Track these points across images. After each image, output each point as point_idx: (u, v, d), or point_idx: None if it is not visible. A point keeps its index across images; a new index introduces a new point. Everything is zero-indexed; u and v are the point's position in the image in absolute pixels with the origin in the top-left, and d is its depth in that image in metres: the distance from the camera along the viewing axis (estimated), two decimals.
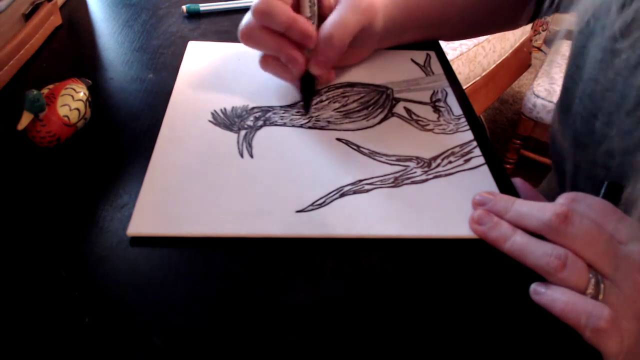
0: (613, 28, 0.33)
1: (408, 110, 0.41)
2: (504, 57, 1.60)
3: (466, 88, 1.46)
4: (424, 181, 0.35)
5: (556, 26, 2.53)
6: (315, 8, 0.38)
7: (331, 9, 0.39)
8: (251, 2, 0.55)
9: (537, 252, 0.28)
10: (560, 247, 0.28)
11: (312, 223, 0.31)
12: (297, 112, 0.40)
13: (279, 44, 0.37)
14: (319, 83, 0.41)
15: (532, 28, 1.89)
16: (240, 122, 0.38)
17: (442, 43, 0.52)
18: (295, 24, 0.36)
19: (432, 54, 0.49)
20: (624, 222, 0.29)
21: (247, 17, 0.38)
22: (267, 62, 0.40)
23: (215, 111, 0.39)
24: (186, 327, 0.26)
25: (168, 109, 0.39)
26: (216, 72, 0.43)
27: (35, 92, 0.32)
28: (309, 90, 0.40)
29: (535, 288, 0.28)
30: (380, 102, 0.42)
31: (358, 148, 0.37)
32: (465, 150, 0.38)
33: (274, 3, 0.35)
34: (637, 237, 0.28)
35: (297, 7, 0.38)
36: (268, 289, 0.28)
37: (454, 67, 1.34)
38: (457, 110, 0.42)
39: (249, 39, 0.38)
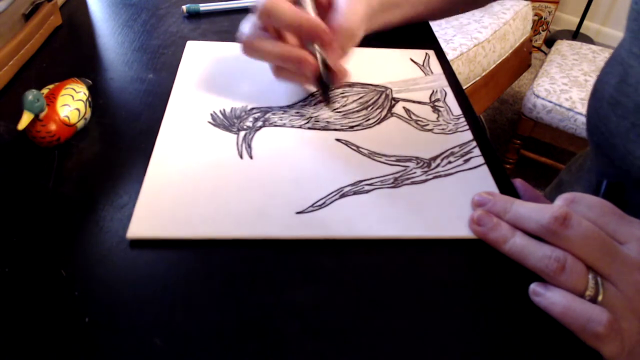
0: None
1: (407, 110, 0.41)
2: (504, 57, 1.60)
3: (466, 88, 1.46)
4: (423, 181, 0.35)
5: (556, 26, 2.53)
6: (309, 2, 0.37)
7: (328, 3, 0.38)
8: (251, 2, 0.55)
9: (537, 254, 0.28)
10: (560, 249, 0.28)
11: (312, 224, 0.31)
12: (297, 112, 0.40)
13: (284, 50, 0.36)
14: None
15: (532, 28, 1.89)
16: (239, 123, 0.38)
17: (442, 43, 0.53)
18: (304, 19, 0.35)
19: (431, 53, 0.49)
20: (623, 221, 0.29)
21: (246, 28, 0.37)
22: (280, 70, 0.39)
23: (214, 112, 0.39)
24: (187, 328, 0.26)
25: (167, 110, 0.39)
26: (215, 73, 0.43)
27: (35, 92, 0.32)
28: (326, 86, 0.40)
29: (534, 289, 0.28)
30: (380, 102, 0.42)
31: (357, 148, 0.37)
32: (465, 150, 0.38)
33: (278, 1, 0.35)
34: (637, 236, 0.28)
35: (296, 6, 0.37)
36: (268, 290, 0.28)
37: (454, 67, 1.34)
38: (456, 110, 0.42)
39: (252, 50, 0.37)
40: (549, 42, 2.37)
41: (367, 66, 0.46)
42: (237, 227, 0.30)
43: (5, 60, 0.40)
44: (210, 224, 0.30)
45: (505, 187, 0.35)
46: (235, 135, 0.37)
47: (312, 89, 0.42)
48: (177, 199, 0.32)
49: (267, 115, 0.39)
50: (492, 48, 1.52)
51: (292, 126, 0.39)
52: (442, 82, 0.45)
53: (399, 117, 0.41)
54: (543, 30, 2.33)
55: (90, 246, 0.29)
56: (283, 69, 0.39)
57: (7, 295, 0.26)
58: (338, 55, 0.38)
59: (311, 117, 0.40)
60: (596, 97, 0.42)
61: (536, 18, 2.26)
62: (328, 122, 0.39)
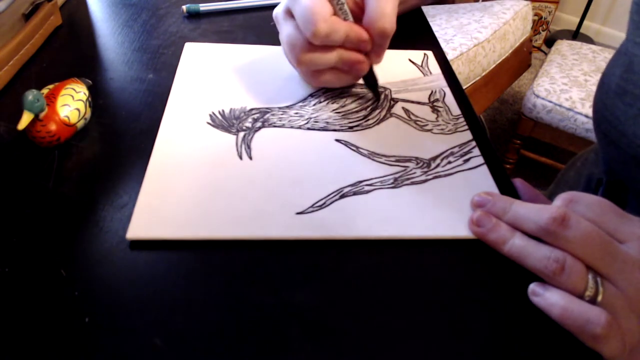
0: None
1: (406, 111, 0.41)
2: (504, 57, 1.60)
3: (466, 88, 1.46)
4: (423, 182, 0.35)
5: (556, 26, 2.53)
6: (346, 8, 0.37)
7: (356, 3, 0.38)
8: (251, 2, 0.55)
9: (536, 255, 0.28)
10: (559, 249, 0.28)
11: (312, 225, 0.31)
12: (296, 113, 0.40)
13: (339, 54, 0.37)
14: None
15: (532, 28, 1.89)
16: (238, 124, 0.38)
17: (442, 43, 0.53)
18: (351, 32, 0.36)
19: (430, 53, 0.49)
20: (623, 220, 0.29)
21: (293, 43, 0.37)
22: (321, 75, 0.39)
23: (213, 113, 0.39)
24: (187, 328, 0.26)
25: (165, 111, 0.39)
26: (213, 74, 0.43)
27: (35, 92, 0.32)
28: (374, 80, 0.42)
29: (533, 289, 0.28)
30: (379, 102, 0.42)
31: (357, 149, 0.37)
32: (465, 150, 0.38)
33: (331, 20, 0.35)
34: (637, 235, 0.28)
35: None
36: (268, 290, 0.28)
37: (454, 67, 1.34)
38: (455, 110, 0.42)
39: (308, 63, 0.37)
40: (549, 42, 2.37)
41: None
42: (236, 227, 0.30)
43: (5, 60, 0.40)
44: (210, 225, 0.30)
45: (505, 187, 0.35)
46: (235, 136, 0.37)
47: (312, 89, 0.42)
48: (176, 199, 0.32)
49: (266, 116, 0.39)
50: (492, 48, 1.52)
51: (292, 127, 0.39)
52: (441, 82, 0.45)
53: (398, 117, 0.41)
54: (543, 30, 2.33)
55: (90, 246, 0.29)
56: (325, 72, 0.39)
57: (7, 295, 0.26)
58: (378, 55, 0.39)
59: (310, 118, 0.40)
60: (603, 89, 0.43)
61: (536, 18, 2.26)
62: (327, 122, 0.39)
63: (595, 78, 1.50)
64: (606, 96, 0.42)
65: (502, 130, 1.93)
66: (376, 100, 0.42)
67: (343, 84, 0.41)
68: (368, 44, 0.37)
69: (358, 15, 0.38)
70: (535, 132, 1.54)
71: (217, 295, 0.27)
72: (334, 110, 0.41)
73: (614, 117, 0.40)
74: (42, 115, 0.33)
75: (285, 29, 0.38)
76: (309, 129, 0.39)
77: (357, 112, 0.41)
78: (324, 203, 0.32)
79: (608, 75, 0.43)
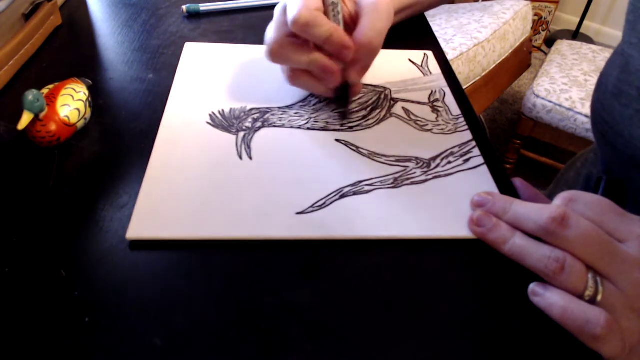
0: None
1: (406, 111, 0.41)
2: (504, 57, 1.60)
3: (466, 88, 1.46)
4: (423, 182, 0.35)
5: (556, 26, 2.53)
6: (340, 17, 0.36)
7: (351, 16, 0.38)
8: (251, 2, 0.55)
9: (536, 254, 0.28)
10: (559, 249, 0.28)
11: (312, 225, 0.31)
12: (296, 113, 0.40)
13: (312, 57, 0.36)
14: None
15: (532, 28, 1.89)
16: (238, 124, 0.38)
17: (442, 43, 0.53)
18: (335, 33, 0.34)
19: (430, 53, 0.49)
20: (623, 219, 0.29)
21: (273, 33, 0.36)
22: (297, 76, 0.38)
23: (213, 113, 0.39)
24: (187, 328, 0.26)
25: (165, 111, 0.39)
26: (213, 74, 0.43)
27: (35, 92, 0.32)
28: (345, 99, 0.40)
29: (533, 289, 0.28)
30: (379, 102, 0.42)
31: (357, 149, 0.37)
32: (465, 150, 0.38)
33: (317, 13, 0.34)
34: (637, 234, 0.28)
35: None
36: (268, 290, 0.28)
37: (454, 67, 1.34)
38: (455, 110, 0.42)
39: (280, 57, 0.37)
40: (549, 42, 2.37)
41: None
42: (237, 227, 0.30)
43: (5, 60, 0.40)
44: (210, 225, 0.30)
45: (505, 187, 0.35)
46: (235, 136, 0.37)
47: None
48: (176, 199, 0.32)
49: (266, 116, 0.39)
50: (492, 48, 1.52)
51: (292, 127, 0.39)
52: (441, 82, 0.45)
53: (398, 117, 0.41)
54: (543, 30, 2.33)
55: (90, 246, 0.29)
56: (301, 75, 0.38)
57: (7, 295, 0.26)
58: (359, 72, 0.38)
59: (310, 118, 0.40)
60: (600, 90, 0.43)
61: (536, 18, 2.26)
62: (327, 122, 0.39)
63: (595, 78, 1.50)
64: (603, 97, 0.42)
65: (502, 130, 1.93)
66: (342, 123, 0.39)
67: (317, 92, 0.40)
68: (350, 53, 0.35)
69: (352, 29, 0.37)
70: (535, 132, 1.54)
71: (217, 295, 0.27)
72: (334, 110, 0.41)
73: (611, 117, 0.41)
74: (42, 115, 0.33)
75: (273, 21, 0.37)
76: (309, 129, 0.39)
77: (357, 112, 0.41)
78: (324, 203, 0.32)
79: (605, 75, 0.43)
